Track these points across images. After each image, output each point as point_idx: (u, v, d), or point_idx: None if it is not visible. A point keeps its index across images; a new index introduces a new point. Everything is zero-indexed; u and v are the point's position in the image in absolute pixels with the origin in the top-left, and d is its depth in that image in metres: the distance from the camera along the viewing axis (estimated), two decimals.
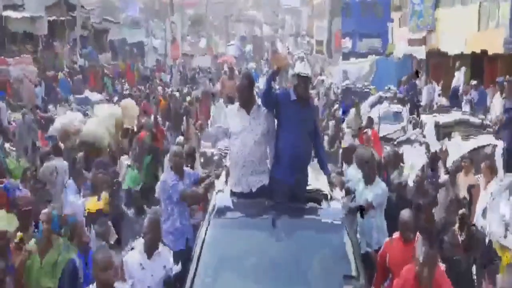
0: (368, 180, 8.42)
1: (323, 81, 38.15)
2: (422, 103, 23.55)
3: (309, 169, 7.13)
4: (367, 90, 27.24)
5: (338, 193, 7.52)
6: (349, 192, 8.51)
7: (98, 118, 13.82)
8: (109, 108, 15.39)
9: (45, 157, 12.23)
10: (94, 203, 8.54)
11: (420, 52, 29.25)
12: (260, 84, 20.14)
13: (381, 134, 17.48)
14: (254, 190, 6.95)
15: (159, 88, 32.03)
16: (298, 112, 6.80)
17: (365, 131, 16.15)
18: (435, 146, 13.39)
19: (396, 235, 7.29)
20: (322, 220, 6.72)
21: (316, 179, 7.29)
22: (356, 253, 6.54)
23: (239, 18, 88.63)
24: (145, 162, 12.33)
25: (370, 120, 17.75)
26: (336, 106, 24.58)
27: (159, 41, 54.57)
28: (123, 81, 36.38)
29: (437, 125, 14.88)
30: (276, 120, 6.96)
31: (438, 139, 14.21)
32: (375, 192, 8.29)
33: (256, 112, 6.95)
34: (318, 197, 7.06)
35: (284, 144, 6.82)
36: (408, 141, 15.09)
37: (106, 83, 33.54)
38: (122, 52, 47.52)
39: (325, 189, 7.22)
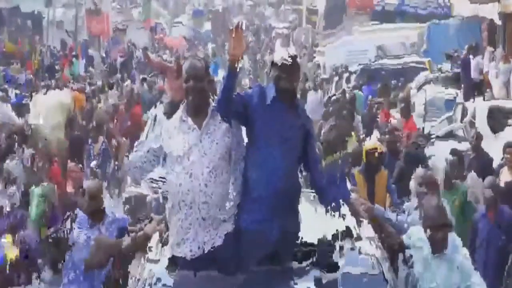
0: (437, 247, 4.97)
1: (318, 65, 29.69)
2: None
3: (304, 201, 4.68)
4: (414, 65, 21.75)
5: (367, 228, 4.87)
6: (405, 260, 5.24)
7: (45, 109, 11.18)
8: (55, 95, 12.74)
9: None
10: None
11: (490, 13, 22.51)
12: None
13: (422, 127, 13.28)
14: (207, 250, 4.39)
15: (69, 83, 22.90)
16: (280, 119, 4.44)
17: (392, 119, 12.71)
18: (488, 140, 10.46)
19: None
20: None
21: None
22: None
23: None
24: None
25: (406, 105, 13.53)
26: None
27: (64, 10, 39.52)
28: (18, 65, 27.60)
29: (491, 113, 11.93)
30: (246, 134, 4.54)
31: (494, 130, 11.33)
32: (448, 271, 4.91)
33: (211, 122, 4.47)
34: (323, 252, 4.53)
35: (259, 169, 4.41)
36: (451, 136, 12.03)
37: None
38: (12, 26, 37.08)
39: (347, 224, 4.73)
